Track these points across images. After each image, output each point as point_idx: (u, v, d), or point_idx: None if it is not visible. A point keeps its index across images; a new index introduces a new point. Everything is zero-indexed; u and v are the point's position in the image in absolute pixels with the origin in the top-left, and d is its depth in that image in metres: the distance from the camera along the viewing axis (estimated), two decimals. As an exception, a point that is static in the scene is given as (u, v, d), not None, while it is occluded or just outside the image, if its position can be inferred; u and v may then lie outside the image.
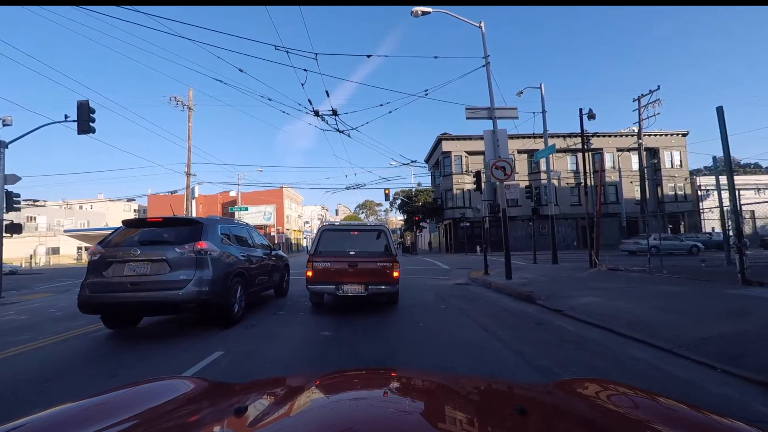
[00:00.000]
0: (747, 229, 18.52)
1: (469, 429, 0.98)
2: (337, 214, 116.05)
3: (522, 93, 19.53)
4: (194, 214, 29.02)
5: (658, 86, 25.96)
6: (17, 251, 41.18)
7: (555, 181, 34.39)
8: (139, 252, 5.67)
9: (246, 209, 39.26)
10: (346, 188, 35.83)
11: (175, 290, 5.52)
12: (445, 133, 38.71)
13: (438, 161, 40.48)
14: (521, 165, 38.02)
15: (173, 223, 6.29)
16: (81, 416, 1.05)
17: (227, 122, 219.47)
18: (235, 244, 7.02)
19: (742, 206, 8.97)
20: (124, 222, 6.43)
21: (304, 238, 70.23)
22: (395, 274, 7.07)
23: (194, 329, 6.04)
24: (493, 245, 33.22)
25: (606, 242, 32.13)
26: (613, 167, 37.39)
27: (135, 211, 69.25)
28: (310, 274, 7.14)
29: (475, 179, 15.05)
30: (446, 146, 38.39)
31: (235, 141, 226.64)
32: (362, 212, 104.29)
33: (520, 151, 37.22)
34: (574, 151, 36.92)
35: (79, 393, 3.43)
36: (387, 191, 33.87)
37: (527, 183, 33.74)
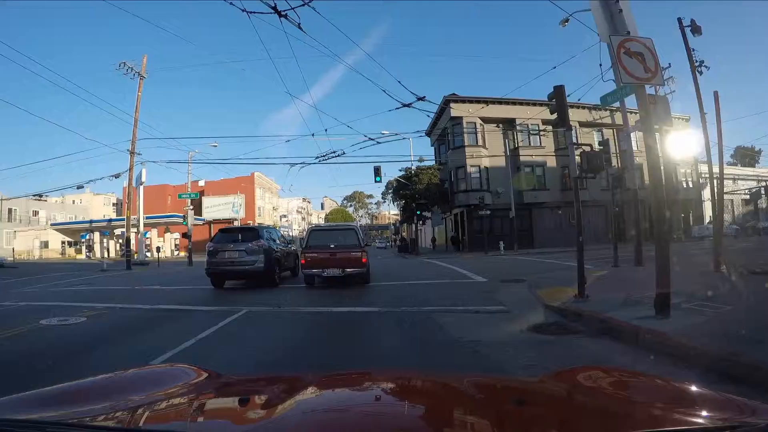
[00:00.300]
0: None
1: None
2: (322, 208, 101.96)
3: (567, 21, 13.36)
4: (141, 203, 28.83)
5: (669, 64, 20.31)
6: (20, 245, 44.64)
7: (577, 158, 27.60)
8: (231, 246, 10.54)
9: (196, 195, 32.72)
10: (317, 159, 20.08)
11: (250, 265, 10.26)
12: (453, 94, 30.26)
13: (445, 131, 31.61)
14: (548, 139, 30.25)
15: (244, 229, 11.80)
16: (94, 391, 1.17)
17: (183, 95, 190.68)
18: (273, 241, 11.53)
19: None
20: (221, 230, 12.01)
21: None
22: (363, 260, 9.89)
23: (257, 287, 10.24)
24: (518, 240, 25.94)
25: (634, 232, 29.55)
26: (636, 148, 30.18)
27: (114, 204, 71.83)
28: (303, 262, 10.15)
29: (554, 117, 7.13)
30: (456, 110, 29.32)
31: (193, 117, 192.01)
32: (350, 205, 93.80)
33: (545, 122, 26.97)
34: (601, 126, 30.33)
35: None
36: (378, 169, 25.12)
37: (554, 161, 29.91)
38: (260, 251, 10.23)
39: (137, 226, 30.13)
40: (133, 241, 25.80)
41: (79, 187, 28.24)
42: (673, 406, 0.99)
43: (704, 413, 0.96)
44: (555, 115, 7.10)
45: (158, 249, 25.80)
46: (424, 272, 13.62)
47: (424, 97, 11.29)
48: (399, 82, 10.39)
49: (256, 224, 13.04)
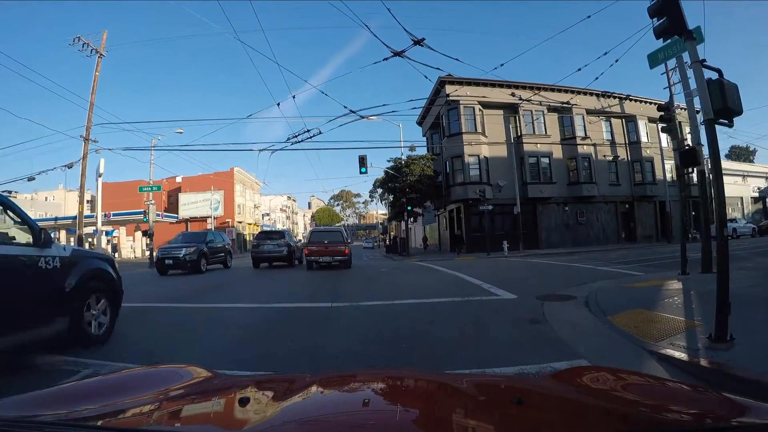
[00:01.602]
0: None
1: None
2: (309, 207, 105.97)
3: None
4: (99, 196, 27.22)
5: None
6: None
7: (591, 149, 27.95)
8: (269, 241, 16.68)
9: (159, 189, 29.11)
10: (289, 140, 16.44)
11: (279, 253, 16.45)
12: (449, 75, 25.56)
13: (439, 117, 28.18)
14: (553, 128, 28.04)
15: (275, 232, 18.50)
16: (93, 391, 1.19)
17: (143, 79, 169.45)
18: (290, 239, 17.79)
19: None
20: (260, 232, 20.82)
21: (266, 234, 66.33)
22: (346, 251, 14.64)
23: (282, 268, 16.05)
24: (522, 240, 23.17)
25: (644, 232, 28.08)
26: (646, 140, 29.55)
27: (88, 201, 68.56)
28: (306, 252, 14.94)
29: (659, 23, 4.32)
30: (452, 93, 25.46)
31: (156, 105, 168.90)
32: (337, 204, 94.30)
33: (550, 109, 26.58)
34: (609, 115, 28.61)
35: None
36: (363, 158, 23.49)
37: (560, 151, 27.61)
38: (285, 245, 16.50)
39: (96, 223, 27.31)
40: (104, 240, 23.42)
41: (31, 179, 24.95)
42: (673, 405, 0.99)
43: (705, 413, 0.97)
44: (661, 22, 4.21)
45: (114, 248, 22.53)
46: (422, 282, 10.21)
47: (423, 39, 7.97)
48: (389, 10, 7.36)
49: (283, 228, 21.50)
